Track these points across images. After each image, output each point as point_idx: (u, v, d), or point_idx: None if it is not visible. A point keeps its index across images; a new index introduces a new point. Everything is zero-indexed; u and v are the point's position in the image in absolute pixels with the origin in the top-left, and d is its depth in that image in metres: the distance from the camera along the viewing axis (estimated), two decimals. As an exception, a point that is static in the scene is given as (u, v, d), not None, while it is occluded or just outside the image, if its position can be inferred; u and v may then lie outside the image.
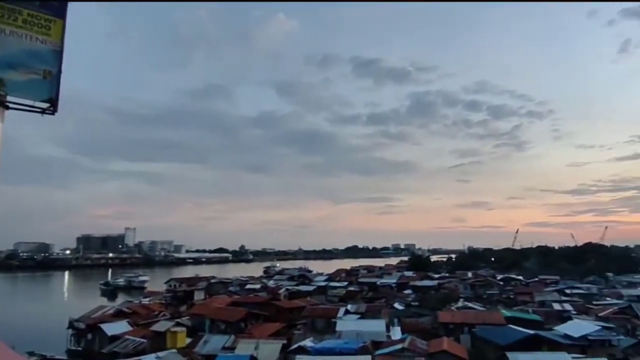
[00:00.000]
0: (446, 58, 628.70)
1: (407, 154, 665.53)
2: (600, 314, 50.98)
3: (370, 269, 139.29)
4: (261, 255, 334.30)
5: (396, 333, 42.10)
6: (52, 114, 6.26)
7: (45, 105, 6.19)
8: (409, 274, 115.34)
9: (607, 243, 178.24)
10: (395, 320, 49.30)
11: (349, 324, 43.06)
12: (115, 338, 45.54)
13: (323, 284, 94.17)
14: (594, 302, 64.93)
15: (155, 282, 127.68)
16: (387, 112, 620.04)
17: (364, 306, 59.26)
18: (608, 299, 69.35)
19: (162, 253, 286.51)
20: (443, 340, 35.06)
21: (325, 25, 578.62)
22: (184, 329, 44.83)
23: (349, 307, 56.79)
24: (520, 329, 39.38)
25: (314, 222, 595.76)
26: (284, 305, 61.00)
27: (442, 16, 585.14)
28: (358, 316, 51.15)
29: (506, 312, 49.30)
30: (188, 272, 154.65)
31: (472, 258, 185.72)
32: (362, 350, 32.74)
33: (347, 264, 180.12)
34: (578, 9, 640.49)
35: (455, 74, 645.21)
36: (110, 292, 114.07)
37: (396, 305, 61.97)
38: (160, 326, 46.37)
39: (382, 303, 66.15)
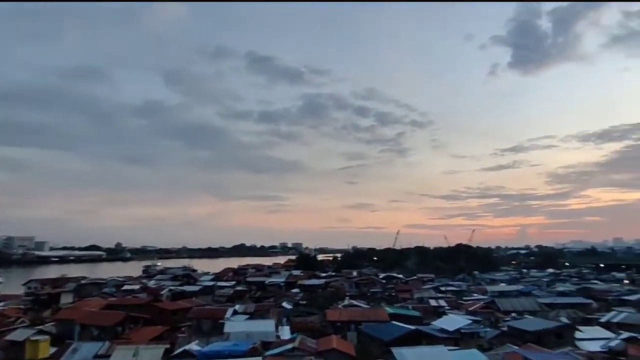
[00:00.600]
0: (339, 63, 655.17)
1: (298, 154, 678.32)
2: (470, 309, 56.79)
3: (258, 268, 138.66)
4: (140, 253, 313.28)
5: (285, 333, 42.14)
6: None
7: None
8: (297, 273, 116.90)
9: (474, 244, 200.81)
10: (284, 320, 49.47)
11: (237, 324, 41.95)
12: (-45, 350, 38.71)
13: (209, 283, 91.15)
14: (464, 298, 72.41)
15: (11, 284, 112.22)
16: (279, 111, 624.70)
17: (253, 306, 58.52)
18: (475, 294, 77.84)
19: (20, 250, 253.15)
20: (332, 339, 35.83)
21: (219, 16, 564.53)
22: (47, 337, 39.63)
23: (237, 307, 55.56)
24: (402, 324, 41.95)
25: (200, 218, 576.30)
26: (166, 306, 57.41)
27: (339, 23, 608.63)
28: (247, 316, 50.21)
29: (389, 309, 52.29)
30: (53, 272, 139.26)
31: (356, 257, 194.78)
32: (252, 352, 32.00)
33: (235, 262, 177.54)
34: (457, 32, 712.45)
35: (347, 79, 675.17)
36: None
37: (285, 304, 62.26)
38: (18, 335, 40.46)
39: (270, 302, 66.10)
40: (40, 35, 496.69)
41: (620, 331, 42.23)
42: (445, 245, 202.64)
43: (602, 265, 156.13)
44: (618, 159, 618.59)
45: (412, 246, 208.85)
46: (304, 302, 65.45)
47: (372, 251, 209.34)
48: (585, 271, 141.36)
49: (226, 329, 39.98)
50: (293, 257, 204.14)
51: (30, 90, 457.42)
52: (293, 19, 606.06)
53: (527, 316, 51.72)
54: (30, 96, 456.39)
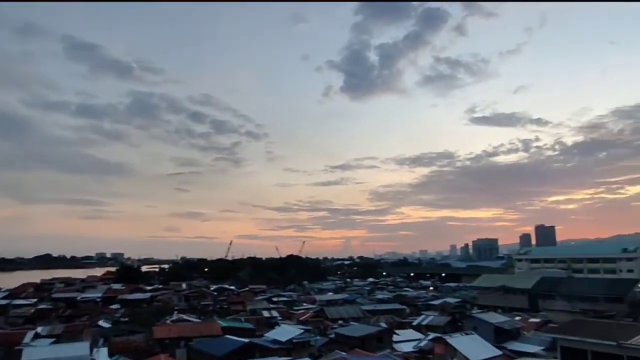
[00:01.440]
0: (175, 64, 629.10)
1: (123, 155, 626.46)
2: (301, 318, 59.00)
3: (68, 282, 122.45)
4: None
5: (102, 355, 37.52)
6: None
7: None
8: (117, 286, 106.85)
9: (304, 255, 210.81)
10: (101, 341, 44.22)
11: (40, 350, 35.78)
12: None
13: (1, 302, 76.52)
14: (295, 308, 74.94)
15: None
16: (102, 106, 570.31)
17: (61, 327, 50.97)
18: (305, 304, 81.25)
19: None
20: (159, 358, 33.20)
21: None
22: None
23: (39, 329, 47.70)
24: (235, 338, 41.17)
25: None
26: None
27: (179, 22, 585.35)
28: (52, 340, 43.38)
29: (222, 323, 51.01)
30: None
31: (186, 269, 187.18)
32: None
33: (37, 276, 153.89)
34: (296, 52, 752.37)
35: (183, 81, 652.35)
36: None
37: (102, 323, 55.97)
38: None
39: (84, 322, 58.58)
40: None
41: (428, 332, 48.69)
42: (277, 256, 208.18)
43: (412, 274, 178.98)
44: (426, 182, 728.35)
45: (245, 257, 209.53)
46: (126, 319, 59.68)
47: (203, 262, 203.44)
48: (399, 280, 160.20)
49: (25, 356, 33.73)
50: (113, 269, 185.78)
51: None
52: (125, 7, 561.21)
53: (352, 323, 55.87)
54: None
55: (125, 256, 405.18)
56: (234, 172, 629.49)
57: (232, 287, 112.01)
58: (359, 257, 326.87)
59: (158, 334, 44.06)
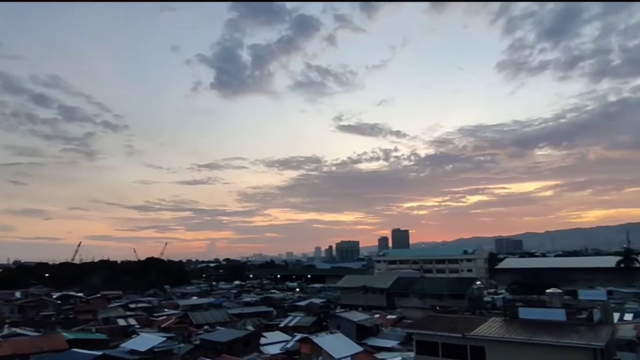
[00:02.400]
0: (15, 37, 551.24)
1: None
2: (162, 325, 55.93)
3: None
4: None
5: None
6: None
7: None
8: None
9: (166, 258, 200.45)
10: None
11: None
12: None
13: None
14: (155, 314, 70.79)
15: None
16: None
17: None
18: (167, 310, 77.28)
19: None
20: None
21: None
22: None
23: None
24: (85, 351, 37.42)
25: None
26: None
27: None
28: None
29: (68, 335, 45.93)
30: None
31: (21, 274, 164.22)
32: None
33: None
34: (164, 41, 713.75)
35: (24, 58, 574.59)
36: None
37: None
38: None
39: None
40: None
41: (295, 333, 49.93)
42: (134, 258, 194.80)
43: (279, 276, 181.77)
44: (294, 184, 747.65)
45: (96, 260, 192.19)
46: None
47: (43, 266, 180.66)
48: (265, 282, 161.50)
49: None
50: None
51: None
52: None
53: (218, 328, 54.73)
54: None
55: None
56: (86, 165, 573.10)
57: (80, 294, 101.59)
58: (225, 260, 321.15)
59: (-15, 352, 37.96)
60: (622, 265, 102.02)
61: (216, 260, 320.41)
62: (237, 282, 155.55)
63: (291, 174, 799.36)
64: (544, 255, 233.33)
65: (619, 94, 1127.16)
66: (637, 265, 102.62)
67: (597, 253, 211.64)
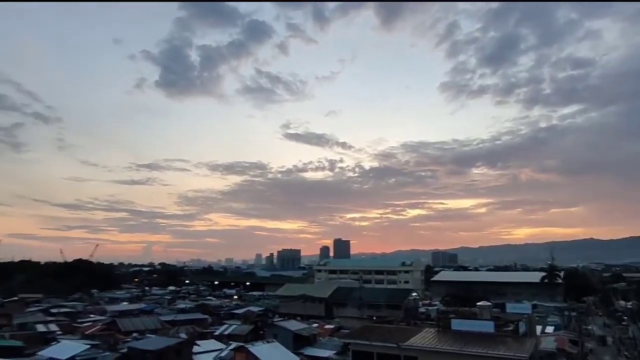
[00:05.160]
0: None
1: None
2: (87, 332, 52.86)
3: None
4: None
5: None
6: None
7: None
8: None
9: (95, 260, 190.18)
10: None
11: None
12: None
13: None
14: (79, 320, 66.78)
15: None
16: None
17: None
18: (93, 315, 73.15)
19: None
20: None
21: None
22: None
23: None
24: (-2, 358, 34.71)
25: None
26: None
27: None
28: None
29: (-22, 341, 42.42)
30: None
31: None
32: None
33: None
34: (106, 33, 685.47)
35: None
36: None
37: None
38: None
39: None
40: None
41: (230, 342, 48.83)
42: (60, 260, 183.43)
43: (216, 282, 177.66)
44: (237, 190, 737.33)
45: (16, 260, 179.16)
46: None
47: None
48: (202, 288, 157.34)
49: None
50: None
51: None
52: None
53: (149, 335, 52.51)
54: None
55: None
56: (11, 157, 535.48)
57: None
58: (160, 264, 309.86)
59: None
60: (546, 280, 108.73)
61: (151, 264, 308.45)
62: (171, 287, 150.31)
63: (235, 179, 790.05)
64: (476, 269, 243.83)
65: (549, 120, 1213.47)
66: (559, 280, 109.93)
67: (525, 268, 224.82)
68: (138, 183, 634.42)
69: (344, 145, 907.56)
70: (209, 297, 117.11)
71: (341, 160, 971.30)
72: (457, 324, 31.18)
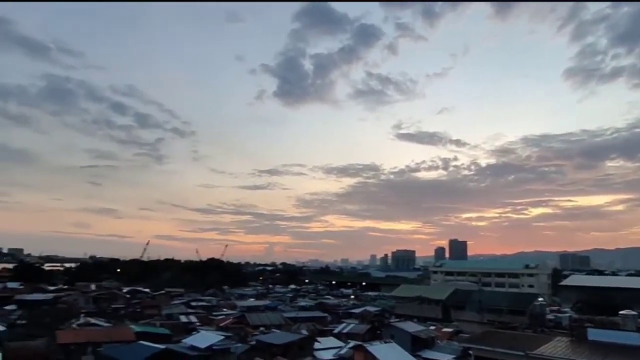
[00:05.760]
0: (97, 48, 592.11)
1: (29, 142, 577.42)
2: (221, 324, 57.41)
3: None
4: None
5: (-5, 362, 33.95)
6: None
7: None
8: (14, 285, 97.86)
9: (225, 259, 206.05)
10: (-8, 346, 39.96)
11: None
12: None
13: None
14: (214, 313, 72.89)
15: None
16: (10, 87, 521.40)
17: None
18: (225, 310, 79.32)
19: None
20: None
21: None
22: None
23: None
24: (150, 344, 39.08)
25: None
26: None
27: (103, 4, 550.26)
28: None
29: (135, 327, 48.34)
30: None
31: (95, 269, 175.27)
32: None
33: None
34: (229, 51, 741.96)
35: (105, 68, 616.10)
36: None
37: (-6, 325, 50.65)
38: None
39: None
40: None
41: (349, 340, 49.49)
42: (196, 259, 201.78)
43: (333, 282, 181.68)
44: (351, 192, 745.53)
45: (162, 258, 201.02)
46: (24, 322, 54.61)
47: (115, 262, 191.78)
48: (320, 287, 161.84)
49: None
50: (10, 266, 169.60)
51: None
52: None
53: (274, 330, 55.42)
54: None
55: (25, 252, 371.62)
56: (155, 169, 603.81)
57: (147, 290, 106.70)
58: (281, 264, 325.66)
59: (62, 339, 40.74)
60: None
61: (273, 264, 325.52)
62: (292, 286, 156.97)
63: (349, 181, 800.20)
64: (614, 273, 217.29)
65: None
66: None
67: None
68: (260, 188, 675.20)
69: (458, 142, 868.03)
70: (327, 296, 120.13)
71: (455, 159, 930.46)
72: (594, 334, 28.04)
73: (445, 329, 62.14)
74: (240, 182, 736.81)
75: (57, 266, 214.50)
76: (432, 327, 59.83)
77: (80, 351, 39.22)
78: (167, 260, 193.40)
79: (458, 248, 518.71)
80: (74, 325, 51.53)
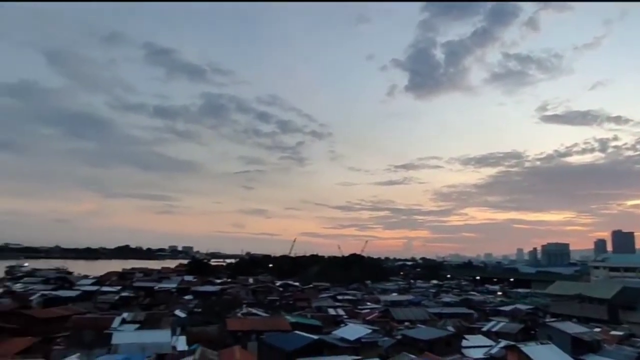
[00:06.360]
0: (242, 65, 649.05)
1: (193, 154, 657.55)
2: (367, 318, 58.71)
3: (146, 272, 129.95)
4: (2, 252, 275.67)
5: (181, 344, 39.60)
6: None
7: None
8: (190, 278, 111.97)
9: (366, 254, 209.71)
10: (178, 329, 46.60)
11: (127, 335, 38.38)
12: None
13: (91, 288, 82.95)
14: (359, 307, 74.78)
15: None
16: (176, 107, 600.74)
17: (142, 314, 54.20)
18: (368, 303, 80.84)
19: None
20: (234, 350, 34.47)
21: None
22: None
23: (124, 315, 51.04)
24: (305, 334, 41.76)
25: (77, 216, 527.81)
26: (37, 315, 50.86)
27: (245, 25, 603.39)
28: (136, 326, 46.36)
29: (290, 318, 51.96)
30: None
31: (251, 264, 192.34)
32: (146, 366, 29.54)
33: (118, 265, 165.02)
34: (360, 51, 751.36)
35: (250, 82, 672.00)
36: None
37: (178, 312, 58.87)
38: None
39: (162, 310, 62.10)
40: None
41: (499, 339, 46.73)
42: (338, 254, 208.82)
43: (477, 277, 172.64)
44: (492, 182, 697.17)
45: (307, 254, 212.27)
46: (199, 310, 62.55)
47: (267, 258, 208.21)
48: (464, 283, 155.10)
49: (114, 340, 36.32)
50: (184, 262, 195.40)
51: None
52: (198, 12, 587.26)
53: (419, 325, 54.86)
54: None
55: (195, 250, 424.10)
56: (297, 170, 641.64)
57: (297, 284, 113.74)
58: (421, 258, 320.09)
59: (231, 326, 45.78)
60: None
61: (412, 259, 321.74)
62: (434, 281, 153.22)
63: (489, 172, 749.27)
64: None
65: None
66: None
67: None
68: (396, 183, 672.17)
69: (617, 120, 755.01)
70: (471, 293, 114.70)
71: (615, 138, 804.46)
72: None
73: (613, 332, 54.82)
74: (376, 178, 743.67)
75: (220, 262, 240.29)
76: (597, 329, 53.28)
77: (245, 337, 43.64)
78: (312, 256, 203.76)
79: (623, 240, 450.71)
80: (238, 314, 57.48)
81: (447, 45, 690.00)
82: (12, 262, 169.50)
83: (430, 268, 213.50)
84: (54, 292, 75.09)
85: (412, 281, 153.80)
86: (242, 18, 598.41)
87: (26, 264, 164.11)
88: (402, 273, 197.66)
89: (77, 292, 76.92)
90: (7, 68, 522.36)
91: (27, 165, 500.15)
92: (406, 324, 56.76)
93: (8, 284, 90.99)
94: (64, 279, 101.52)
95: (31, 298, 66.20)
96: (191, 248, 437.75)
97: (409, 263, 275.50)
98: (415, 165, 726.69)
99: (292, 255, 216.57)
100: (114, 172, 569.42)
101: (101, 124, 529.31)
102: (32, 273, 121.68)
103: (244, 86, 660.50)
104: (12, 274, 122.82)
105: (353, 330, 45.38)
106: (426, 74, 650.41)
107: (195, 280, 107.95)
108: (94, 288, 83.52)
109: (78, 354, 34.39)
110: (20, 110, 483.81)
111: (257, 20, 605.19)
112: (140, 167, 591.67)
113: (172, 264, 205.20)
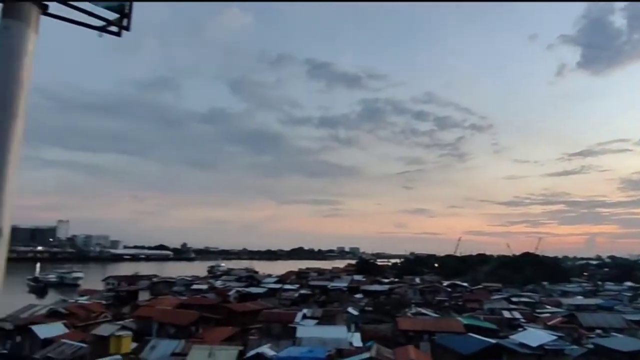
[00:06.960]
0: (396, 68, 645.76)
1: (355, 159, 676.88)
2: (549, 323, 52.74)
3: (320, 272, 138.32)
4: (204, 254, 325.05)
5: (356, 340, 41.16)
6: (119, 33, 3.57)
7: (111, 16, 3.49)
8: (359, 278, 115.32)
9: (540, 253, 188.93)
10: (352, 326, 48.44)
11: (309, 330, 41.56)
12: (48, 342, 41.20)
13: (274, 286, 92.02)
14: (537, 310, 67.60)
15: (90, 279, 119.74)
16: (337, 116, 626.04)
17: (320, 311, 57.97)
18: (548, 307, 72.48)
19: (97, 248, 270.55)
20: (409, 349, 34.42)
21: (281, 24, 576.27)
22: (130, 333, 41.34)
23: (305, 311, 55.24)
24: (481, 337, 39.62)
25: (259, 222, 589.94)
26: (236, 308, 58.44)
27: (394, 27, 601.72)
28: (315, 321, 49.75)
29: (463, 320, 49.79)
30: (125, 269, 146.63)
31: (416, 264, 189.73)
32: None
33: (293, 265, 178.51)
34: (520, 32, 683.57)
35: (404, 83, 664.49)
36: (39, 288, 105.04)
37: (350, 310, 61.18)
38: (104, 330, 42.52)
39: (336, 307, 65.18)
40: (121, 47, 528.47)
41: None
42: (507, 253, 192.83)
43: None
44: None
45: (473, 253, 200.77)
46: (370, 309, 64.14)
47: (432, 257, 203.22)
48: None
49: (299, 333, 39.63)
50: (352, 262, 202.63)
51: (109, 100, 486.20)
52: (349, 23, 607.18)
53: (613, 334, 47.33)
54: (109, 106, 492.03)
55: (361, 250, 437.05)
56: (458, 167, 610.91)
57: (465, 284, 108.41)
58: (609, 257, 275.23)
59: (402, 325, 45.93)
60: None
61: (598, 257, 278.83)
62: (628, 283, 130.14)
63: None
64: None
65: None
66: None
67: None
68: (571, 173, 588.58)
69: None
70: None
71: None
72: None
73: None
74: (547, 169, 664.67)
75: (385, 262, 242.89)
76: None
77: (417, 337, 43.23)
78: (479, 255, 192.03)
79: None
80: (408, 314, 57.26)
81: (628, 8, 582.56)
82: (212, 263, 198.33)
83: (621, 268, 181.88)
84: (245, 289, 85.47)
85: (599, 283, 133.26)
86: (391, 22, 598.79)
87: (223, 264, 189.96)
88: (585, 273, 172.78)
89: (264, 289, 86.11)
90: (201, 100, 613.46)
91: (221, 179, 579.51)
92: (597, 331, 49.50)
93: (211, 281, 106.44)
94: (252, 277, 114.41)
95: (229, 293, 76.27)
96: (357, 249, 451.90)
97: (594, 262, 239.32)
98: (595, 151, 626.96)
99: (458, 254, 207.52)
100: (286, 181, 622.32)
101: (274, 138, 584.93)
102: (228, 272, 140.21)
103: (399, 88, 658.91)
104: (213, 273, 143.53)
105: (535, 336, 41.24)
106: (603, 45, 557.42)
107: (364, 279, 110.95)
108: (277, 286, 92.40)
109: (269, 344, 38.36)
110: (212, 133, 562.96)
111: (405, 21, 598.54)
112: (308, 174, 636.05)
113: (340, 264, 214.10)
